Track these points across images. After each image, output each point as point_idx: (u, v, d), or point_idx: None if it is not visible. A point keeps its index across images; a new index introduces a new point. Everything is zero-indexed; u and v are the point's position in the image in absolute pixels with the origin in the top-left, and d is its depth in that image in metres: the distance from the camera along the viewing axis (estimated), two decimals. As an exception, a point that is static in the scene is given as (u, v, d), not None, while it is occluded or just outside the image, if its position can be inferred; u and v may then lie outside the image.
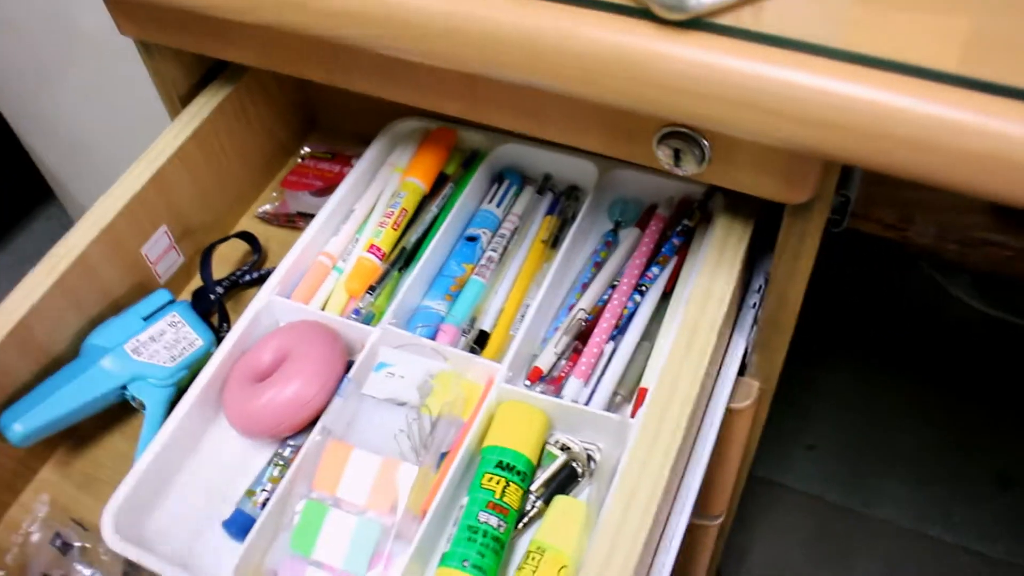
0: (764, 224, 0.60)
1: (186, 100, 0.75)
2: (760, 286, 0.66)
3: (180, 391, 0.64)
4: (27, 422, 0.60)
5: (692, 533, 0.83)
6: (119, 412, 0.68)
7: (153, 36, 0.67)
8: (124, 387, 0.65)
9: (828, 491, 1.29)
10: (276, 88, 0.79)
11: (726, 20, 0.41)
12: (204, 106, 0.74)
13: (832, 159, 0.42)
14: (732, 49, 0.40)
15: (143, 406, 0.65)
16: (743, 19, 0.41)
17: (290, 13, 0.51)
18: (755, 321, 0.66)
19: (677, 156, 0.48)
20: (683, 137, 0.47)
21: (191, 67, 0.74)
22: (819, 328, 1.44)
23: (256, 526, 0.56)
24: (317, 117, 0.86)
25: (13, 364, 0.62)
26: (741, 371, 0.70)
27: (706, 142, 0.47)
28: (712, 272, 0.59)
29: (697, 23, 0.40)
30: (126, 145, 1.28)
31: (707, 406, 0.65)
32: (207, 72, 0.76)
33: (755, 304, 0.66)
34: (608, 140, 0.51)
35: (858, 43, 0.39)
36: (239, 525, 0.59)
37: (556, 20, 0.42)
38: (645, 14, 0.41)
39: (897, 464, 1.31)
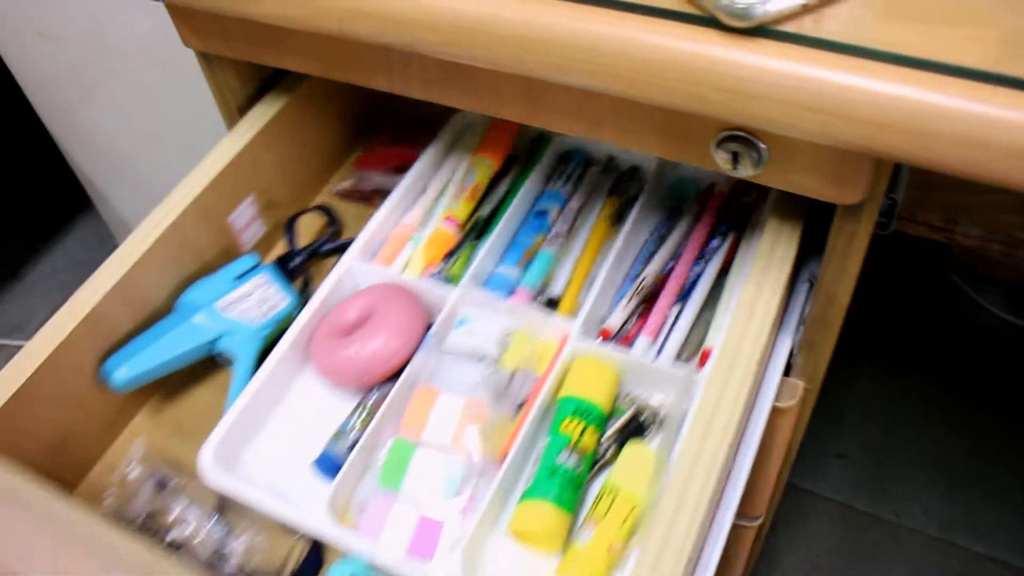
0: (812, 226, 0.63)
1: (244, 110, 0.78)
2: (808, 286, 0.68)
3: (266, 347, 0.69)
4: (129, 369, 0.66)
5: (732, 533, 0.84)
6: (206, 367, 0.73)
7: (216, 48, 0.70)
8: (214, 342, 0.70)
9: (857, 499, 1.30)
10: (337, 91, 0.82)
11: (788, 27, 0.43)
12: (262, 115, 0.77)
13: (884, 157, 0.44)
14: (794, 54, 0.42)
15: (231, 361, 0.70)
16: (804, 26, 0.43)
17: (355, 22, 0.54)
18: (801, 321, 0.68)
19: (735, 159, 0.50)
20: (741, 140, 0.50)
21: (249, 77, 0.77)
22: (849, 335, 1.45)
23: (346, 464, 0.61)
24: (383, 107, 0.90)
25: (116, 315, 0.67)
26: (786, 372, 0.72)
27: (763, 145, 0.49)
28: (765, 263, 0.62)
29: (761, 30, 0.43)
30: (164, 156, 1.32)
31: (753, 405, 0.67)
32: (265, 81, 0.79)
33: (802, 304, 0.68)
34: (666, 144, 0.53)
35: (906, 47, 0.41)
36: (328, 464, 0.64)
37: (625, 28, 0.44)
38: (711, 22, 0.43)
39: (926, 473, 1.32)
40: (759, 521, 0.87)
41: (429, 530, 0.59)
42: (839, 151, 0.48)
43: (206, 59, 0.74)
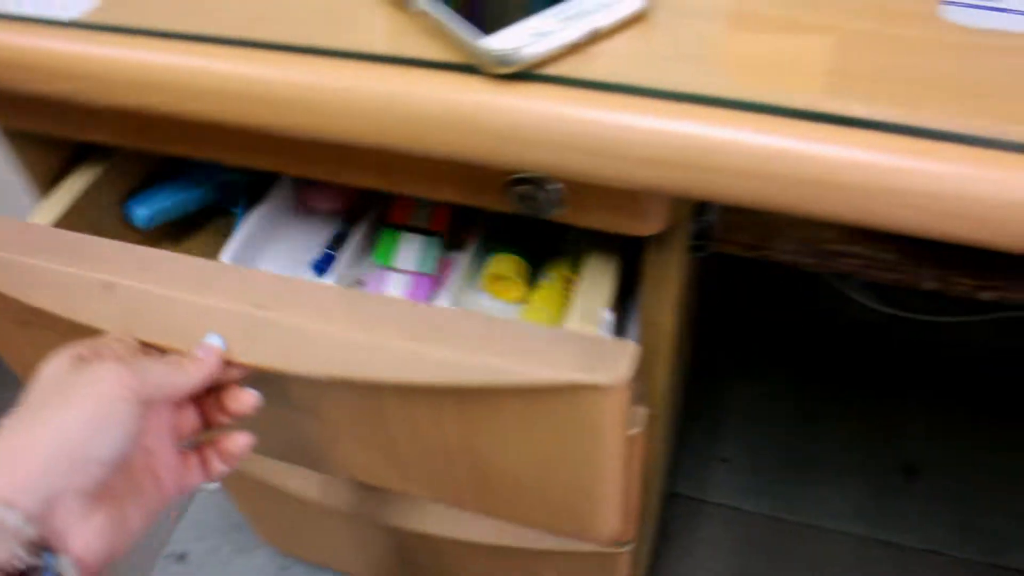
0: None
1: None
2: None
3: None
4: (150, 207, 0.75)
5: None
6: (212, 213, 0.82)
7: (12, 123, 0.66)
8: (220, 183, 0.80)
9: (745, 501, 1.31)
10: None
11: (554, 69, 0.42)
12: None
13: (666, 193, 0.43)
14: (560, 96, 0.41)
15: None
16: (572, 67, 0.42)
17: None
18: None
19: (530, 201, 0.49)
20: (531, 182, 0.48)
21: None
22: (723, 341, 1.47)
23: (344, 255, 0.74)
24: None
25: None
26: None
27: (554, 186, 0.48)
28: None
29: (526, 75, 0.41)
30: None
31: None
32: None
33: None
34: (462, 191, 0.51)
35: (678, 83, 0.40)
36: (326, 261, 0.76)
37: (389, 81, 0.42)
38: (474, 70, 0.42)
39: (809, 467, 1.34)
40: (630, 547, 0.86)
41: (420, 287, 0.72)
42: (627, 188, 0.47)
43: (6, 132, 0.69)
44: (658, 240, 0.53)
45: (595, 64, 0.42)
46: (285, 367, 0.49)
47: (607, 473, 0.52)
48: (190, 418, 0.50)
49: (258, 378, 0.51)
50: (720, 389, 1.43)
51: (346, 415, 0.55)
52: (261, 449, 0.59)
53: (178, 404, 0.49)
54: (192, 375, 0.47)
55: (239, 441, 0.50)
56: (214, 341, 0.49)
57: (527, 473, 0.54)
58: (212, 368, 0.48)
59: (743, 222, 0.59)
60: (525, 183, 0.48)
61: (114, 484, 0.42)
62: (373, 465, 0.60)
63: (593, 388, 0.45)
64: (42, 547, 0.37)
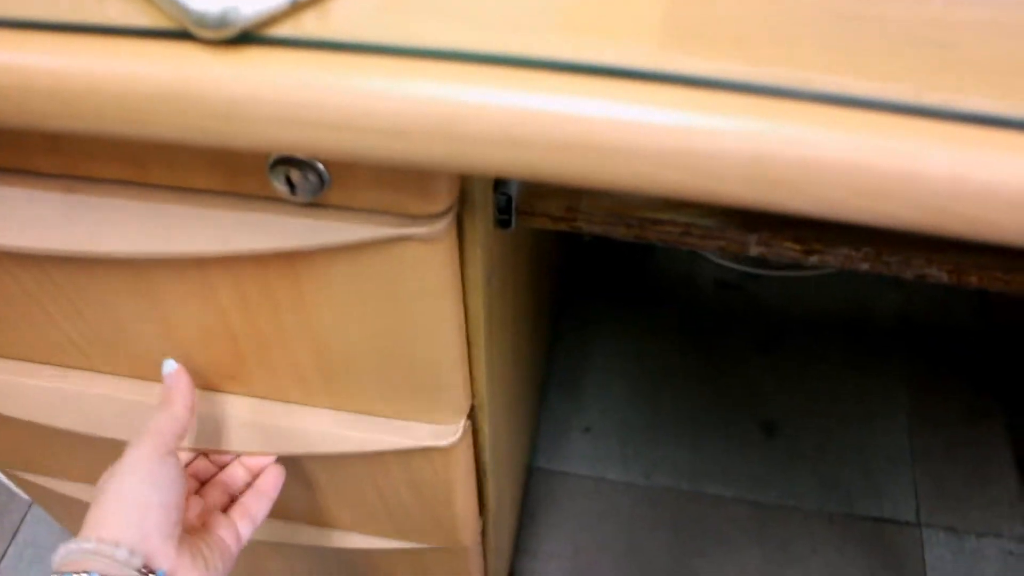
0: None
1: None
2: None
3: None
4: None
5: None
6: None
7: None
8: None
9: (609, 470, 1.29)
10: None
11: (284, 30, 0.36)
12: None
13: (432, 169, 0.38)
14: (289, 62, 0.34)
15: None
16: (306, 27, 0.36)
17: None
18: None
19: (292, 185, 0.43)
20: (294, 164, 0.42)
21: None
22: (581, 308, 1.44)
23: None
24: None
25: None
26: None
27: (321, 165, 0.42)
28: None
29: (248, 38, 0.35)
30: None
31: None
32: None
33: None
34: (218, 178, 0.45)
35: (430, 39, 0.35)
36: None
37: (87, 56, 0.35)
38: (188, 36, 0.35)
39: (670, 430, 1.33)
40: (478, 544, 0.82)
41: None
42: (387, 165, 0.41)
43: None
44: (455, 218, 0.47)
45: (332, 21, 0.36)
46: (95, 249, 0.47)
47: (443, 335, 0.52)
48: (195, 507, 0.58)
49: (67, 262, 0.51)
50: (581, 356, 1.40)
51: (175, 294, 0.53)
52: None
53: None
54: (179, 408, 0.55)
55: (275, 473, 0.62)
56: (171, 367, 0.58)
57: (368, 353, 0.55)
58: (188, 392, 0.56)
59: (547, 192, 0.55)
60: (287, 163, 0.42)
61: (185, 525, 0.54)
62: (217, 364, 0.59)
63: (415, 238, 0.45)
64: (149, 570, 0.49)
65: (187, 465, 0.62)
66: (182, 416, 0.55)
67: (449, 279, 0.49)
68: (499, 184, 0.53)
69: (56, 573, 0.47)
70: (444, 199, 0.44)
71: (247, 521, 0.59)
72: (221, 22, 0.34)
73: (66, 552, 0.48)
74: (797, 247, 0.55)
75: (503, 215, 0.54)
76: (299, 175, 0.43)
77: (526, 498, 1.24)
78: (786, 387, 1.37)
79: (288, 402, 0.61)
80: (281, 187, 0.43)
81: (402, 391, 0.57)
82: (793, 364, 1.39)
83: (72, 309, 0.56)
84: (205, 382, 0.60)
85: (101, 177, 0.47)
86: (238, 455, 0.62)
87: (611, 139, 0.32)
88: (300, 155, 0.40)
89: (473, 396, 0.60)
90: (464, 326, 0.53)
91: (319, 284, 0.49)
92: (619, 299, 1.47)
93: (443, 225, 0.45)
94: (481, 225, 0.50)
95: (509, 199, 0.53)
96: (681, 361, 1.40)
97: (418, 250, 0.46)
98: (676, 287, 1.49)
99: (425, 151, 0.35)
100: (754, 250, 0.55)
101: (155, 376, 0.59)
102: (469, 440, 0.64)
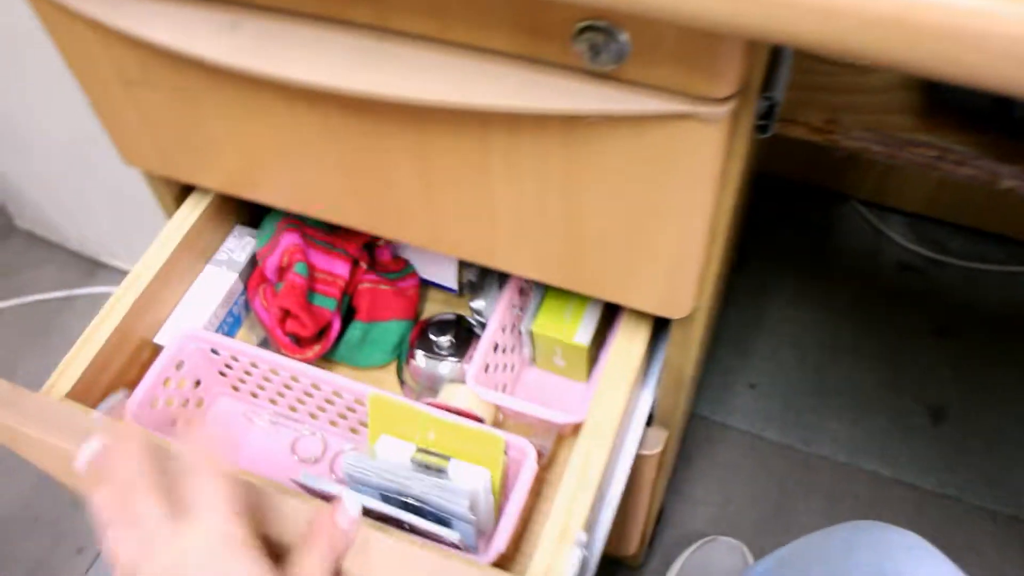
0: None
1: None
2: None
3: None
4: None
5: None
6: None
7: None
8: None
9: (768, 429, 1.30)
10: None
11: None
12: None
13: (745, 34, 0.40)
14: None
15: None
16: None
17: None
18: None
19: (594, 52, 0.46)
20: (600, 31, 0.45)
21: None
22: (757, 266, 1.44)
23: None
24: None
25: None
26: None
27: (624, 36, 0.45)
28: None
29: None
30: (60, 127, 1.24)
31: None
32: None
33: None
34: (519, 38, 0.48)
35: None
36: None
37: None
38: None
39: (834, 402, 1.32)
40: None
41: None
42: (707, 37, 0.44)
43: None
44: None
45: None
46: (398, 92, 0.51)
47: (694, 225, 0.55)
48: None
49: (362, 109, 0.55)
50: (754, 315, 1.41)
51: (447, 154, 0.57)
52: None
53: None
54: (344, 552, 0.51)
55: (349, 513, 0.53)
56: (353, 508, 0.53)
57: (617, 236, 0.58)
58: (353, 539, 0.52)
59: (810, 101, 0.56)
60: (593, 31, 0.46)
61: None
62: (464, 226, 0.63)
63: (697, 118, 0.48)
64: None
65: None
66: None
67: (715, 168, 0.52)
68: (765, 88, 0.55)
69: None
70: (730, 84, 0.47)
71: None
72: None
73: None
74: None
75: (763, 120, 0.56)
76: (603, 42, 0.46)
77: (685, 442, 1.27)
78: (960, 376, 1.34)
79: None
80: (584, 53, 0.47)
81: (638, 280, 0.60)
82: (970, 354, 1.36)
83: (343, 159, 0.61)
84: (448, 247, 0.65)
85: (408, 31, 0.51)
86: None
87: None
88: (621, 14, 0.42)
89: (698, 296, 0.62)
90: (712, 221, 0.56)
91: (593, 156, 0.52)
92: (798, 268, 1.47)
93: (724, 110, 0.48)
94: (746, 124, 0.53)
95: (772, 105, 0.55)
96: (854, 336, 1.39)
97: (696, 132, 0.49)
98: (857, 264, 1.47)
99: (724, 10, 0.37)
100: (1005, 183, 0.55)
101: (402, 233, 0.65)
102: (687, 335, 0.67)
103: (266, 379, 0.76)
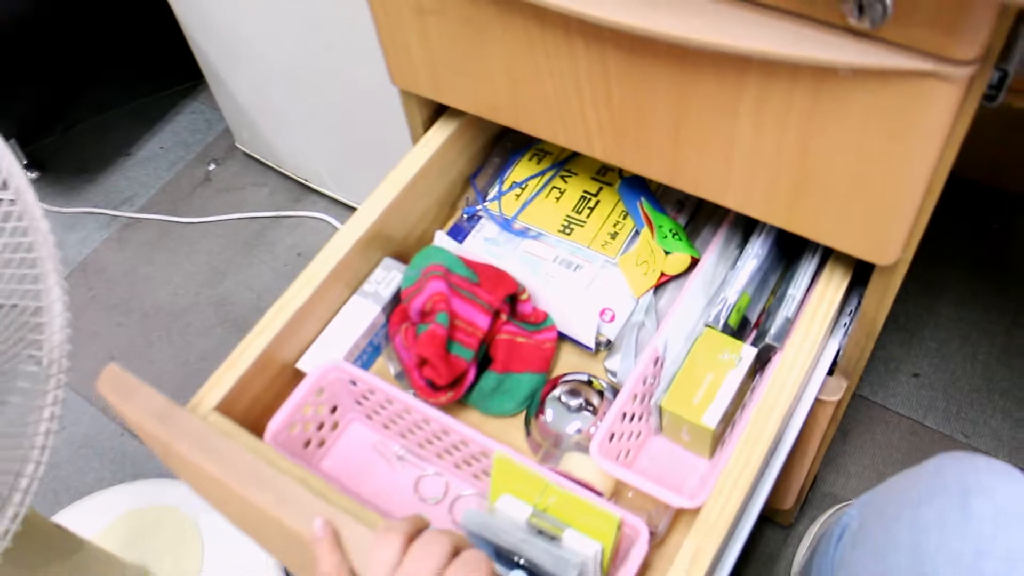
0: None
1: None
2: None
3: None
4: None
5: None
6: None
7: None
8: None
9: (929, 417, 1.33)
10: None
11: None
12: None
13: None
14: None
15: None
16: None
17: None
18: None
19: (860, 11, 0.54)
20: (867, -9, 0.53)
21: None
22: (934, 265, 1.46)
23: None
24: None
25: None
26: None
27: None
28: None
29: None
30: (285, 42, 1.38)
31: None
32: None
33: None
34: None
35: None
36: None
37: None
38: None
39: (999, 401, 1.34)
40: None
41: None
42: (963, 3, 0.50)
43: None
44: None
45: None
46: (676, 32, 0.59)
47: (916, 178, 0.62)
48: None
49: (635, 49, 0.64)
50: (923, 308, 1.44)
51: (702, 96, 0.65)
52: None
53: None
54: None
55: None
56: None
57: (843, 180, 0.64)
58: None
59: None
60: (861, -10, 0.53)
61: None
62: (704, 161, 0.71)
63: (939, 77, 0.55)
64: None
65: None
66: None
67: (945, 125, 0.58)
68: (1001, 58, 0.60)
69: None
70: (974, 48, 0.54)
71: None
72: None
73: None
74: None
75: (993, 89, 0.61)
76: (869, 3, 0.53)
77: (844, 419, 1.31)
78: None
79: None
80: (850, 11, 0.54)
81: (853, 224, 0.67)
82: None
83: (605, 93, 0.70)
84: (684, 182, 0.73)
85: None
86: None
87: None
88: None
89: (905, 246, 0.68)
90: (931, 175, 0.62)
91: (836, 105, 0.60)
92: (972, 269, 1.48)
93: (966, 72, 0.55)
94: (979, 89, 0.59)
95: (1004, 75, 0.61)
96: (1022, 340, 1.40)
97: (936, 90, 0.56)
98: (1038, 272, 1.47)
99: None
100: None
101: (646, 168, 0.74)
102: (887, 284, 0.73)
103: (399, 416, 0.80)
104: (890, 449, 1.31)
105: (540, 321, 0.86)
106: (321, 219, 1.72)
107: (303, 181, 1.75)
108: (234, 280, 1.66)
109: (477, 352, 0.82)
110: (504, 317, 0.84)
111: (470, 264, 0.85)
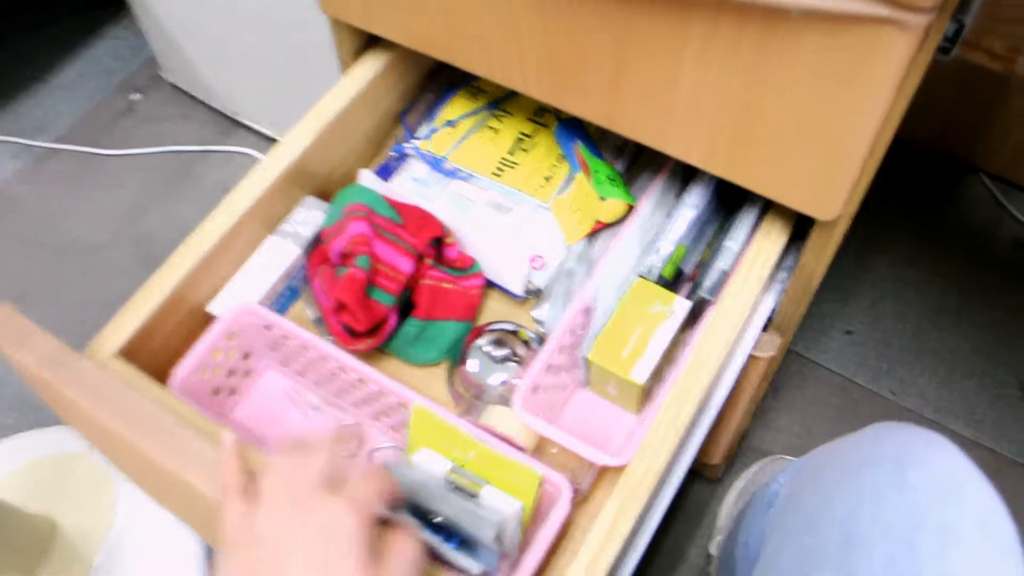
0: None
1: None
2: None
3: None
4: None
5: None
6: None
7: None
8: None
9: (859, 375, 1.33)
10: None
11: None
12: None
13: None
14: None
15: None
16: None
17: None
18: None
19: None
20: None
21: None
22: (871, 219, 1.46)
23: None
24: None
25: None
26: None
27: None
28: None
29: None
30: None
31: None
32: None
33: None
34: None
35: None
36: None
37: None
38: None
39: (928, 360, 1.35)
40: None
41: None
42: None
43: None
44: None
45: None
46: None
47: (863, 130, 0.59)
48: None
49: None
50: (859, 266, 1.43)
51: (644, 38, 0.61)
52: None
53: None
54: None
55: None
56: None
57: (787, 129, 0.61)
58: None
59: (994, 31, 0.59)
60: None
61: None
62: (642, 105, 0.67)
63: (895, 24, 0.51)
64: None
65: None
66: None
67: (898, 76, 0.55)
68: (958, 10, 0.58)
69: None
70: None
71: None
72: None
73: None
74: None
75: (947, 42, 0.59)
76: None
77: (777, 373, 1.31)
78: (1058, 358, 1.35)
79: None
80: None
81: (796, 177, 0.65)
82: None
83: (542, 29, 0.66)
84: (624, 126, 0.69)
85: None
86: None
87: None
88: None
89: (847, 201, 0.66)
90: (879, 129, 0.60)
91: (785, 51, 0.56)
92: (912, 231, 1.48)
93: (923, 20, 0.51)
94: (933, 40, 0.56)
95: (960, 28, 0.58)
96: (958, 303, 1.40)
97: (890, 38, 0.52)
98: (974, 236, 1.47)
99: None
100: None
101: (583, 109, 0.70)
102: (827, 240, 0.71)
103: (314, 364, 0.76)
104: (820, 405, 1.30)
105: (467, 267, 0.83)
106: (250, 155, 1.65)
107: (232, 115, 1.68)
108: (156, 217, 1.59)
109: (399, 298, 0.78)
110: (429, 262, 0.81)
111: (395, 204, 0.81)
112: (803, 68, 0.57)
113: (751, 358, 0.84)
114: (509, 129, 0.89)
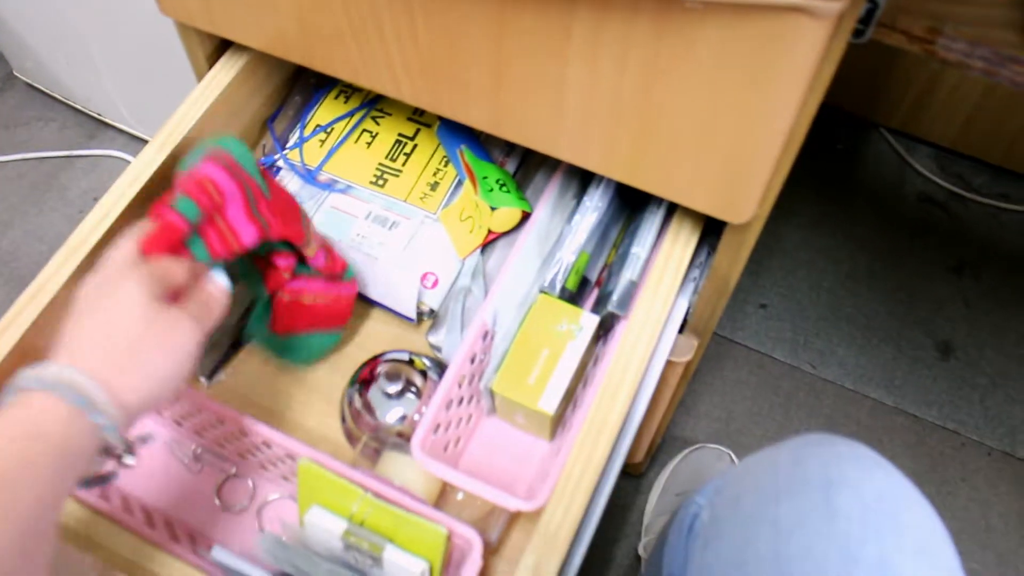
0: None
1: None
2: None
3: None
4: None
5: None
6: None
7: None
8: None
9: (777, 349, 1.29)
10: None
11: None
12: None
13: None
14: None
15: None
16: None
17: None
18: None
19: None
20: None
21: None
22: (778, 194, 1.42)
23: None
24: None
25: None
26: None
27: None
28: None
29: None
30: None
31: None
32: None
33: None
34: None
35: None
36: None
37: None
38: None
39: (844, 328, 1.32)
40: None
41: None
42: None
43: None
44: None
45: None
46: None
47: (773, 128, 0.53)
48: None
49: None
50: (772, 232, 1.39)
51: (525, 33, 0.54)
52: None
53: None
54: (215, 317, 0.58)
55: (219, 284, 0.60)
56: (222, 281, 0.60)
57: (691, 133, 0.55)
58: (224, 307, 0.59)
59: (912, 9, 0.53)
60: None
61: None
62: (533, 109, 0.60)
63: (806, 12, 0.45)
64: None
65: None
66: (215, 317, 0.58)
67: (810, 68, 0.49)
68: (870, -11, 0.52)
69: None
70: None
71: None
72: None
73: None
74: None
75: (861, 24, 0.53)
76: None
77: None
78: (972, 314, 1.33)
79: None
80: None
81: (704, 180, 0.58)
82: (985, 292, 1.35)
83: (410, 28, 0.57)
84: (511, 131, 0.62)
85: None
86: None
87: None
88: None
89: (761, 202, 0.60)
90: (792, 126, 0.53)
91: (683, 44, 0.49)
92: (819, 193, 1.44)
93: (836, 6, 0.45)
94: (847, 26, 0.50)
95: (874, 8, 0.52)
96: (869, 265, 1.38)
97: (801, 27, 0.46)
98: (879, 194, 1.45)
99: None
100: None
101: (464, 114, 0.62)
102: (741, 242, 0.65)
103: (191, 413, 0.68)
104: (739, 385, 1.26)
105: (339, 271, 0.71)
106: (119, 157, 1.52)
107: (97, 116, 1.54)
108: (20, 231, 1.46)
109: (226, 267, 0.62)
110: (286, 274, 0.68)
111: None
112: (704, 63, 0.50)
113: (669, 363, 0.78)
114: (387, 131, 0.80)
